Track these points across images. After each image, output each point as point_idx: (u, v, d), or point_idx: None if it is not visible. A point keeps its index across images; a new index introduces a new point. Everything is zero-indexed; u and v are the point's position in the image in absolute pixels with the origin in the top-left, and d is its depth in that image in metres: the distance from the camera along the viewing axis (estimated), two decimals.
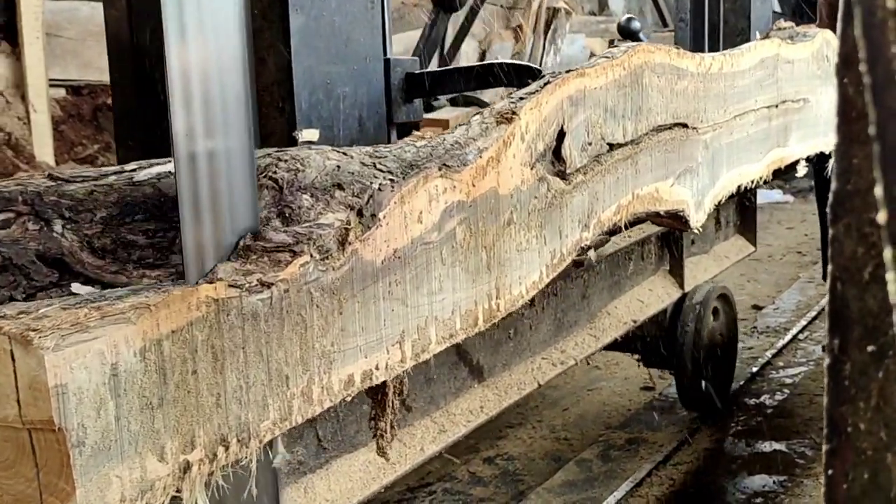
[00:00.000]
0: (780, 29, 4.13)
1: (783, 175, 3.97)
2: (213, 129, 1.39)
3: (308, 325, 1.54)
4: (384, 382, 2.39)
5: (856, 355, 0.85)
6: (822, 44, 4.12)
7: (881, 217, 0.74)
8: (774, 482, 4.43)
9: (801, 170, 4.01)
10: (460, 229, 1.89)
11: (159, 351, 1.28)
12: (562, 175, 2.25)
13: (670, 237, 4.79)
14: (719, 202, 3.19)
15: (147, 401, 1.26)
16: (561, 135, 2.22)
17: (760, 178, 3.51)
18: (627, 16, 4.01)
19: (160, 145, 2.08)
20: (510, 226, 2.05)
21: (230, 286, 1.39)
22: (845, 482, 0.86)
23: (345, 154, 1.73)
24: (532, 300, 3.75)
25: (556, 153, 2.23)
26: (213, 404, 1.37)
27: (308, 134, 2.08)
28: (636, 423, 5.14)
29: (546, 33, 10.41)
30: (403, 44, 7.20)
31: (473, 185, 1.92)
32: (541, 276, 2.17)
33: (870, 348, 0.85)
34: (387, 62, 2.47)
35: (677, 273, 4.81)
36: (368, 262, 1.66)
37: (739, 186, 3.32)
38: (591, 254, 3.77)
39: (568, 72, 2.26)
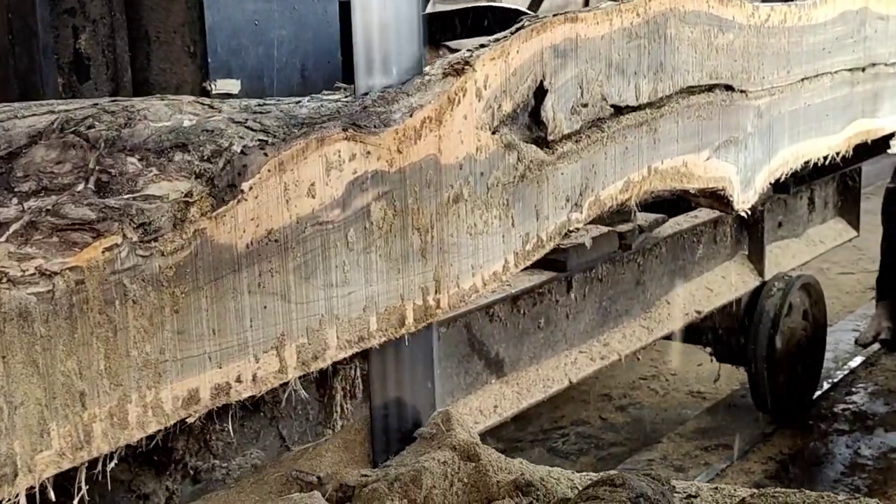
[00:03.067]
0: None
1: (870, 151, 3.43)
2: None
3: (119, 326, 1.19)
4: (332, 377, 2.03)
5: None
6: None
7: None
8: None
9: (895, 146, 3.46)
10: (378, 206, 1.51)
11: None
12: (542, 142, 1.83)
13: (752, 215, 4.27)
14: (778, 179, 2.70)
15: None
16: (541, 93, 1.81)
17: (837, 154, 3.00)
18: None
19: None
20: (458, 203, 1.65)
21: None
22: None
23: (211, 107, 1.36)
24: (569, 285, 3.34)
25: (535, 115, 1.82)
26: None
27: (225, 85, 1.73)
28: None
29: None
30: None
31: (399, 152, 1.53)
32: (506, 265, 1.77)
33: None
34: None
35: (757, 258, 4.30)
36: (224, 246, 1.30)
37: (808, 162, 2.82)
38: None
39: (555, 16, 1.84)
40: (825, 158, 2.91)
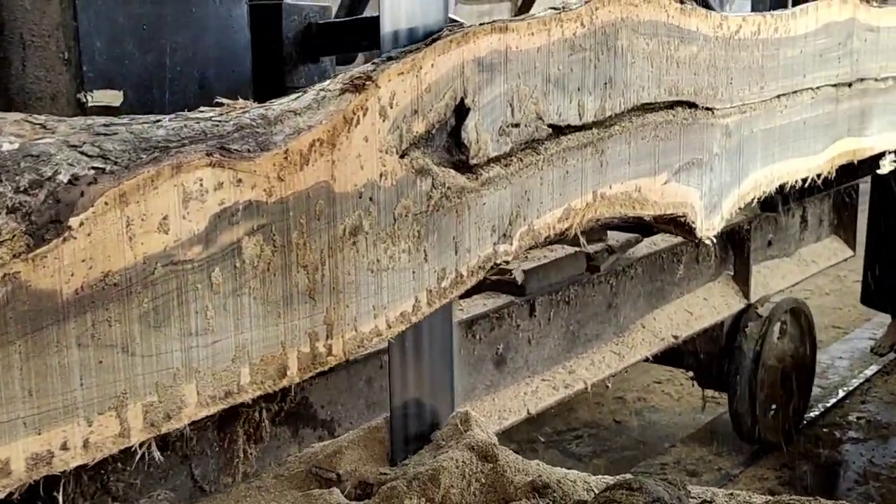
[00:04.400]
0: None
1: (857, 172, 3.22)
2: None
3: None
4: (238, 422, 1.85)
5: None
6: None
7: None
8: None
9: (887, 166, 3.25)
10: (252, 242, 1.31)
11: None
12: (463, 167, 1.64)
13: (737, 235, 4.07)
14: (752, 201, 2.50)
15: None
16: (462, 112, 1.61)
17: (819, 176, 2.79)
18: None
19: None
20: (356, 236, 1.46)
21: None
22: None
23: (43, 128, 1.17)
24: (532, 308, 3.14)
25: (456, 137, 1.63)
26: None
27: (103, 97, 1.54)
28: None
29: None
30: None
31: (281, 179, 1.34)
32: (416, 304, 1.58)
33: None
34: (275, 7, 1.90)
35: (743, 279, 4.09)
36: (45, 293, 1.11)
37: (784, 186, 2.62)
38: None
39: (480, 25, 1.65)
40: (804, 181, 2.70)
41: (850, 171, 3.09)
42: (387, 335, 1.54)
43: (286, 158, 1.34)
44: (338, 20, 2.09)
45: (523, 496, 1.78)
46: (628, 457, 4.53)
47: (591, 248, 3.11)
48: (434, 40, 1.56)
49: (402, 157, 1.52)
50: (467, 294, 2.78)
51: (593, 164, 1.91)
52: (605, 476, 1.94)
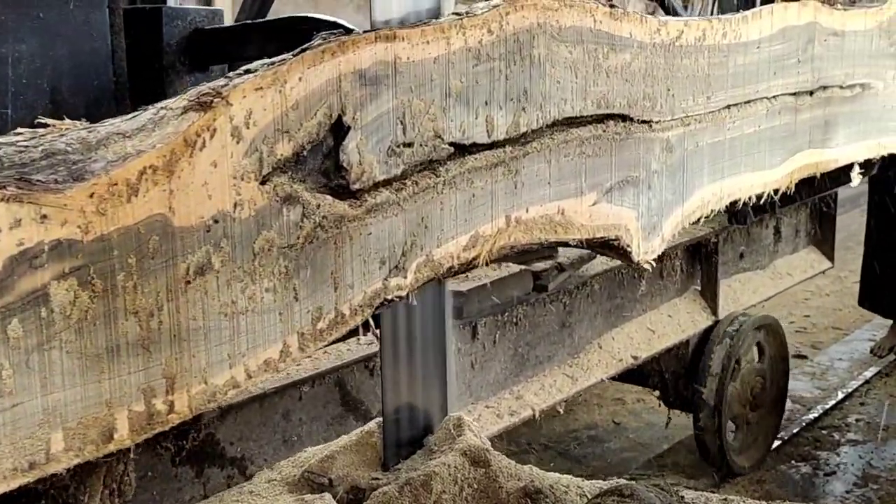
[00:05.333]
0: None
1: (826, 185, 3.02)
2: None
3: None
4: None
5: None
6: None
7: None
8: None
9: (856, 178, 3.07)
10: (62, 288, 1.13)
11: None
12: (344, 192, 1.45)
13: (705, 248, 3.88)
14: (699, 220, 2.32)
15: None
16: (340, 130, 1.43)
17: (776, 192, 2.60)
18: None
19: None
20: (204, 276, 1.27)
21: None
22: None
23: None
24: (475, 331, 2.96)
25: (335, 159, 1.44)
26: None
27: None
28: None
29: None
30: None
31: (101, 213, 1.15)
32: (286, 349, 1.39)
33: None
34: (154, 11, 1.71)
35: (711, 295, 3.91)
36: None
37: (736, 202, 2.43)
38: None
39: (364, 33, 1.46)
40: (759, 197, 2.52)
41: (819, 183, 2.90)
42: (247, 386, 1.36)
43: (109, 189, 1.16)
44: (230, 25, 1.90)
45: (516, 501, 1.80)
46: (627, 458, 4.49)
47: (540, 266, 2.93)
48: (303, 50, 1.37)
49: (262, 183, 1.33)
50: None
51: (506, 185, 1.72)
52: (599, 481, 1.93)
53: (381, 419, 2.00)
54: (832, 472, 4.30)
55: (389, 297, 1.54)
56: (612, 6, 1.89)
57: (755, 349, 3.95)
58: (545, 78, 1.77)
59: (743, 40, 2.32)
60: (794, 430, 4.71)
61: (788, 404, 4.85)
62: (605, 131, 1.93)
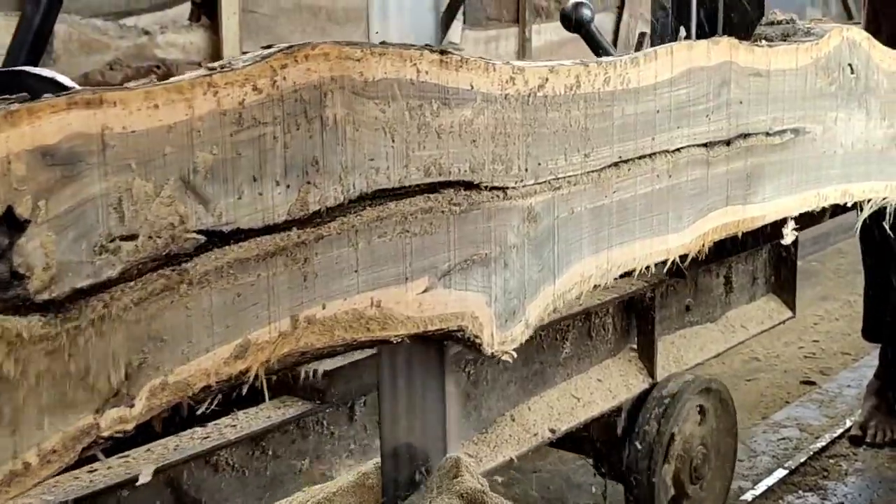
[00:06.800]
0: (771, 24, 2.85)
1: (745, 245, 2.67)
2: None
3: None
4: None
5: None
6: (841, 47, 2.82)
7: None
8: None
9: (789, 235, 2.73)
10: None
11: None
12: (27, 305, 1.12)
13: (641, 303, 3.53)
14: (579, 297, 1.98)
15: None
16: (15, 226, 1.09)
17: (686, 257, 2.27)
18: (576, 0, 2.80)
19: None
20: None
21: None
22: None
23: None
24: (352, 412, 2.61)
25: (10, 262, 1.10)
26: None
27: None
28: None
29: None
30: None
31: None
32: None
33: None
34: None
35: (648, 355, 3.55)
36: None
37: (633, 272, 2.10)
38: None
39: (50, 98, 1.12)
40: (663, 263, 2.18)
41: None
42: None
43: None
44: None
45: None
46: None
47: None
48: None
49: None
50: (253, 400, 2.26)
51: (291, 277, 1.38)
52: None
53: (378, 460, 2.01)
54: (840, 503, 4.22)
55: (106, 435, 1.20)
56: (443, 52, 1.56)
57: (698, 413, 3.59)
58: (346, 144, 1.44)
59: (633, 86, 1.99)
60: (802, 460, 4.53)
61: (796, 433, 4.74)
62: (438, 203, 1.60)
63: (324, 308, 1.43)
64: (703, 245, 2.30)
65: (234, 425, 2.21)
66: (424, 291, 1.59)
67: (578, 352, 3.31)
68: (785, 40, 2.73)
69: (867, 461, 4.57)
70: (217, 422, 2.21)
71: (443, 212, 1.61)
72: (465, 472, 1.92)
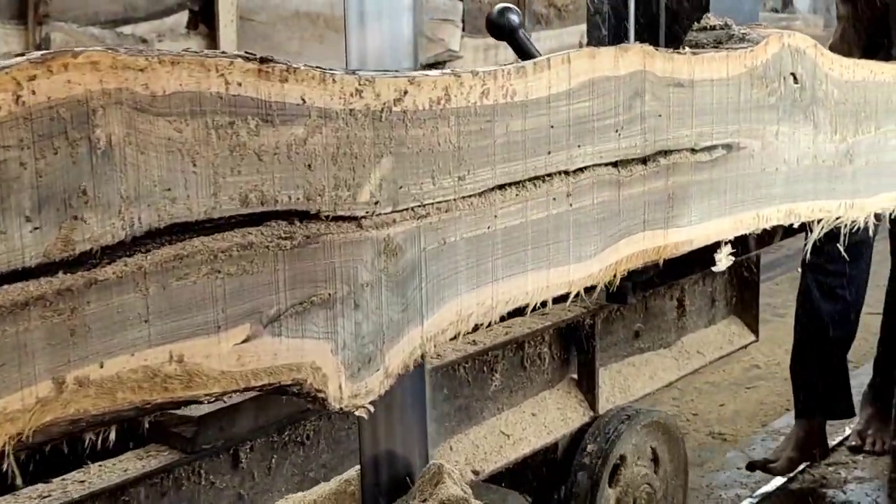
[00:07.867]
0: (703, 29, 2.63)
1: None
2: None
3: None
4: None
5: None
6: (781, 54, 2.59)
7: None
8: None
9: (723, 261, 2.50)
10: None
11: None
12: None
13: (581, 325, 3.28)
14: (457, 337, 1.75)
15: None
16: None
17: (593, 288, 2.03)
18: (503, 5, 2.58)
19: None
20: None
21: None
22: None
23: None
24: (236, 458, 2.37)
25: None
26: None
27: None
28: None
29: None
30: None
31: None
32: None
33: None
34: None
35: (588, 385, 3.32)
36: None
37: (525, 308, 1.86)
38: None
39: None
40: (566, 296, 1.95)
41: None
42: None
43: None
44: None
45: None
46: None
47: None
48: None
49: None
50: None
51: (50, 331, 1.15)
52: None
53: (359, 467, 1.98)
54: None
55: None
56: (262, 61, 1.33)
57: (642, 450, 3.35)
58: (126, 169, 1.20)
59: (519, 99, 1.76)
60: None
61: None
62: (262, 237, 1.36)
63: (102, 367, 1.20)
64: (616, 275, 2.06)
65: (83, 481, 1.97)
66: (245, 341, 1.35)
67: (510, 384, 3.07)
68: (717, 47, 2.51)
69: (866, 469, 4.54)
70: (64, 476, 1.98)
71: (268, 247, 1.37)
72: (447, 479, 1.94)
